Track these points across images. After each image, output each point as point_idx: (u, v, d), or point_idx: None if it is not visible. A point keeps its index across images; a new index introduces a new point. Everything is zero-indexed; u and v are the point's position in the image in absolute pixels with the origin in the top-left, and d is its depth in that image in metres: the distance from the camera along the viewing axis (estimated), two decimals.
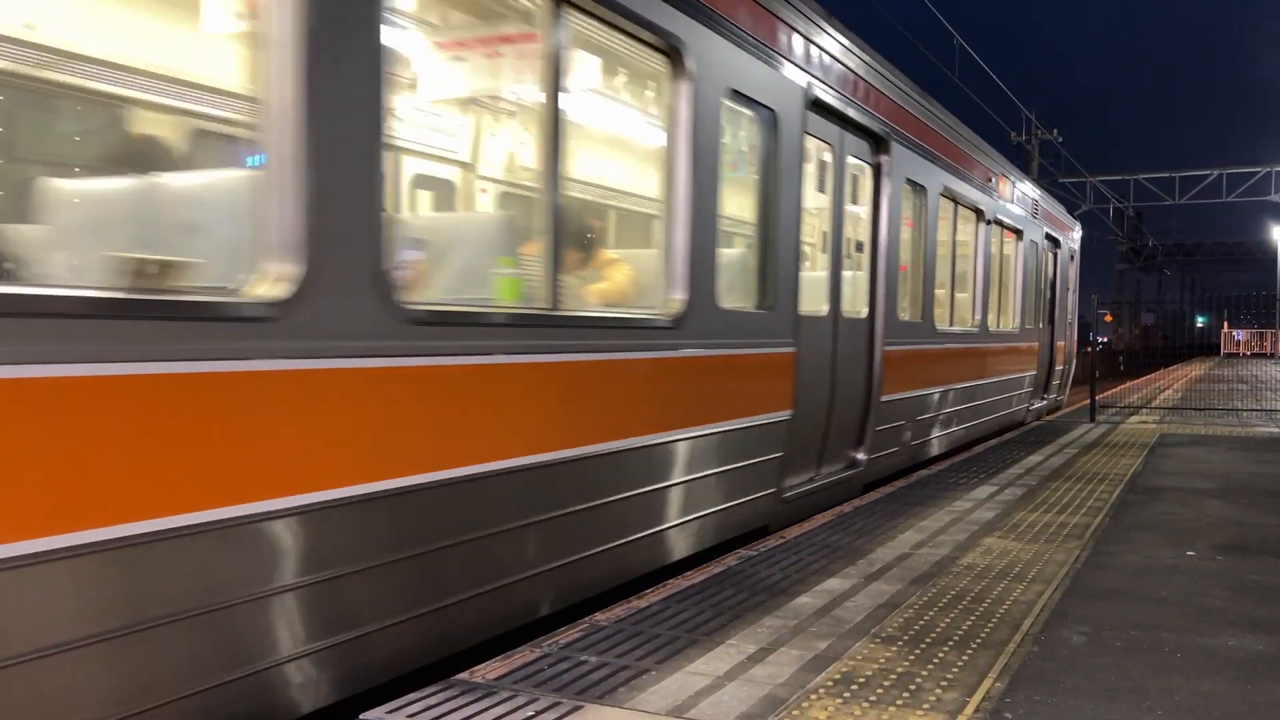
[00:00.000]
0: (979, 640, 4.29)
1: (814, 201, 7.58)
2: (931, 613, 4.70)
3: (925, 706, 3.53)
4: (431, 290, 4.52)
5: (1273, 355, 51.59)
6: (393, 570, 3.75)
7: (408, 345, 3.73)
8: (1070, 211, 19.02)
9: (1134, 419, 15.64)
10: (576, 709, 3.44)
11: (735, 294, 6.20)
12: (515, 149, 6.78)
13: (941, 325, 10.36)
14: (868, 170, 8.32)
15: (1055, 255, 16.64)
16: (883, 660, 4.01)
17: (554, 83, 4.54)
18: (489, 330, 4.18)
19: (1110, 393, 21.99)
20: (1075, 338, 19.46)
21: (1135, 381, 28.79)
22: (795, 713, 3.45)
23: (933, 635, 4.35)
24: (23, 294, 2.70)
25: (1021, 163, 33.95)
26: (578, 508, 4.71)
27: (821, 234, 8.05)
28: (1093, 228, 22.53)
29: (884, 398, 8.48)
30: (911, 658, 4.05)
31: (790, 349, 6.74)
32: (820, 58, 7.06)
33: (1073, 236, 18.58)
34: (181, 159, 4.90)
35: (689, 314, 5.52)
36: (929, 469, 9.51)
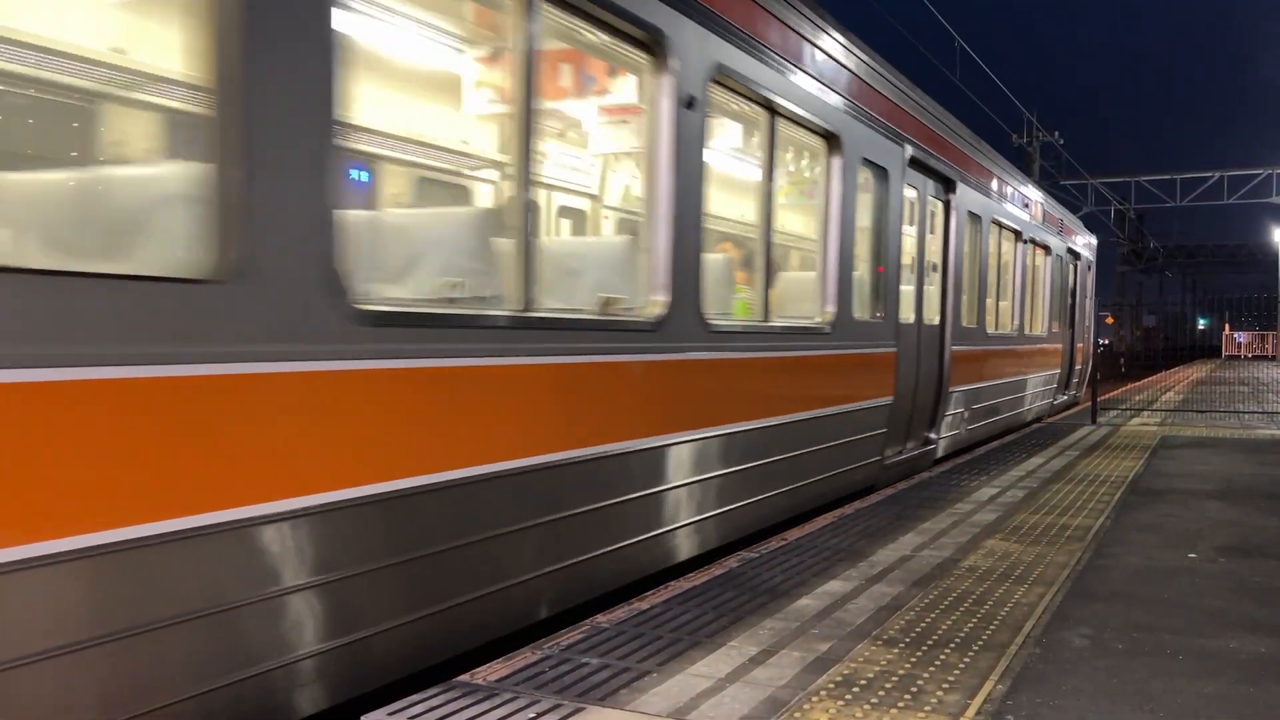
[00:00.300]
0: (980, 642, 4.29)
1: (906, 232, 9.47)
2: (933, 615, 4.70)
3: (927, 709, 3.53)
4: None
5: (1274, 357, 51.60)
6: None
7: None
8: (1073, 213, 20.72)
9: (1135, 421, 15.63)
10: (578, 711, 3.44)
11: (862, 307, 8.35)
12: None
13: (990, 330, 12.54)
14: (940, 206, 10.50)
15: (1075, 266, 18.88)
16: (884, 662, 4.01)
17: (758, 158, 6.76)
18: (740, 336, 6.27)
19: (1112, 394, 21.97)
20: (1092, 340, 21.98)
21: (1137, 384, 28.78)
22: (797, 715, 3.44)
23: (934, 637, 4.35)
24: None
25: (1023, 164, 33.96)
26: (789, 454, 6.96)
27: (911, 257, 9.82)
28: (1094, 230, 22.86)
29: (951, 389, 10.62)
30: (913, 660, 4.05)
31: (893, 349, 8.82)
32: (916, 128, 9.32)
33: (1090, 249, 20.95)
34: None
35: (838, 322, 7.64)
36: (930, 471, 9.52)
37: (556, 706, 3.47)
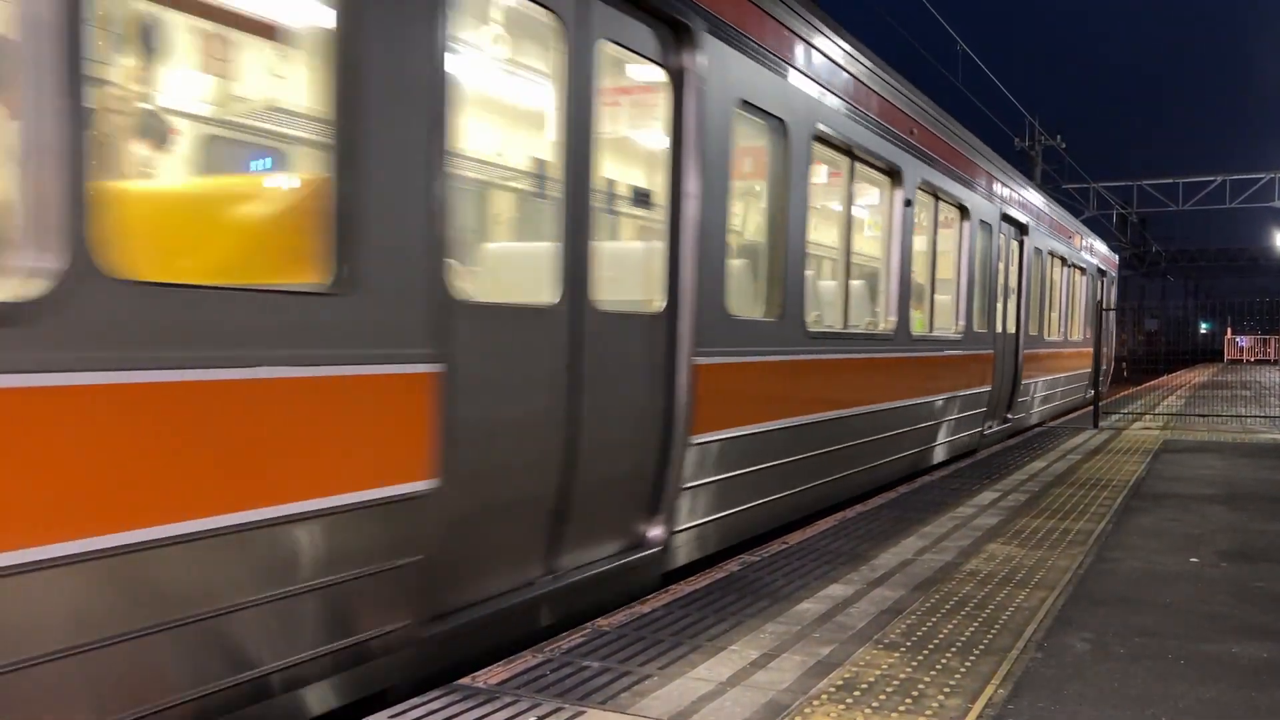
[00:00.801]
0: (982, 646, 4.28)
1: (998, 268, 12.90)
2: (934, 619, 4.69)
3: (928, 713, 3.52)
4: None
5: (1276, 361, 51.51)
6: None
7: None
8: (1075, 216, 23.30)
9: (1137, 425, 15.61)
10: (579, 714, 3.43)
11: (977, 322, 11.72)
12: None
13: (1046, 337, 16.25)
14: (1016, 245, 14.22)
15: (1103, 283, 23.75)
16: (885, 666, 4.00)
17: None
18: (917, 342, 9.45)
19: (1114, 398, 21.95)
20: (1114, 344, 27.34)
21: (1139, 387, 28.74)
22: (798, 719, 3.44)
23: (935, 641, 4.35)
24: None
25: (1025, 168, 33.97)
26: (952, 416, 10.82)
27: (999, 285, 13.05)
28: (1095, 232, 23.52)
29: (1023, 381, 14.26)
30: (914, 664, 4.04)
31: (991, 351, 12.40)
32: (1008, 193, 13.22)
33: (1113, 267, 26.06)
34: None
35: (965, 333, 11.26)
36: (931, 475, 9.51)
37: (557, 710, 3.46)
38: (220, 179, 4.82)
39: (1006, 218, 13.10)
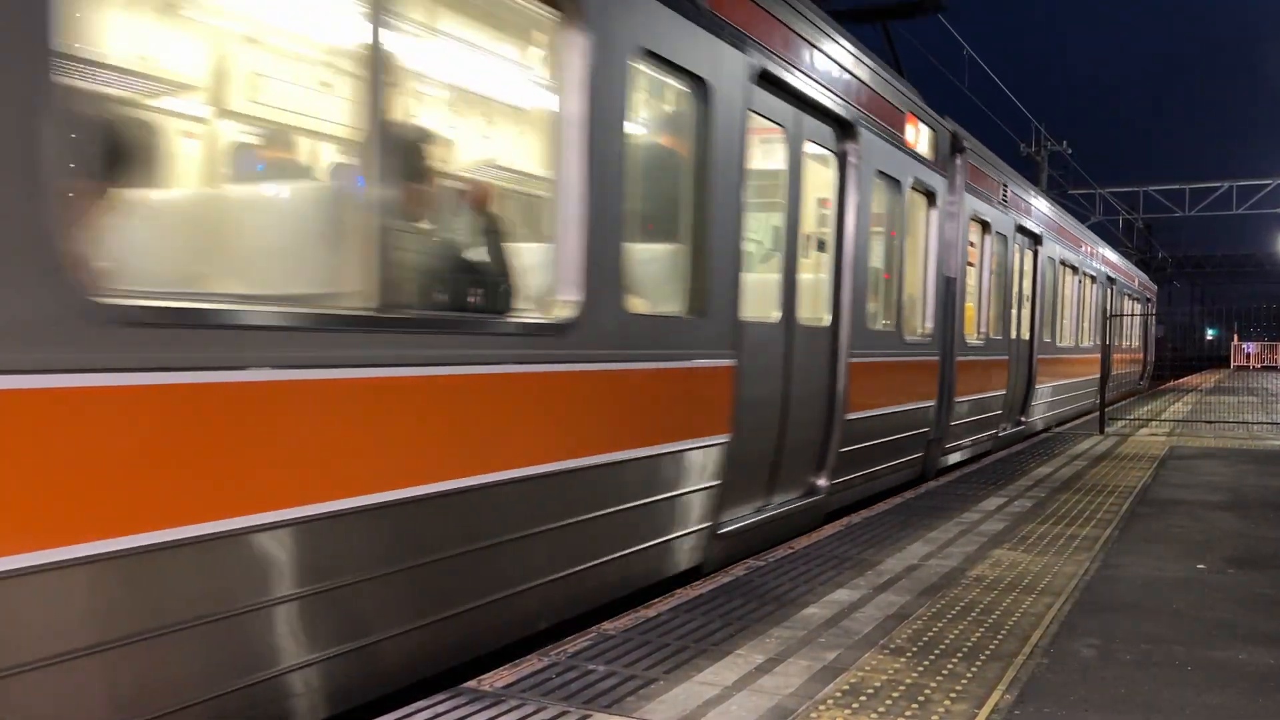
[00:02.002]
0: (988, 652, 4.28)
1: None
2: (940, 624, 4.69)
3: (934, 718, 3.52)
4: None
5: None
6: None
7: None
8: (1081, 222, 24.27)
9: (1144, 431, 15.58)
10: (585, 717, 3.44)
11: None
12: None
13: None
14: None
15: (1146, 305, 29.93)
16: (891, 671, 4.00)
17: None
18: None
19: (1120, 404, 21.91)
20: (1154, 351, 33.94)
21: (1145, 392, 28.70)
22: None
23: (941, 647, 4.34)
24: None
25: (1031, 174, 33.91)
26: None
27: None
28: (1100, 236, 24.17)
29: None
30: (920, 669, 4.04)
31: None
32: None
33: (1152, 292, 32.94)
34: None
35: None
36: (938, 480, 9.50)
37: (563, 714, 3.47)
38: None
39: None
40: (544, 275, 4.50)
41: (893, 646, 4.33)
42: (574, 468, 4.48)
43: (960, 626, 4.66)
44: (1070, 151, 38.29)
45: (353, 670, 3.45)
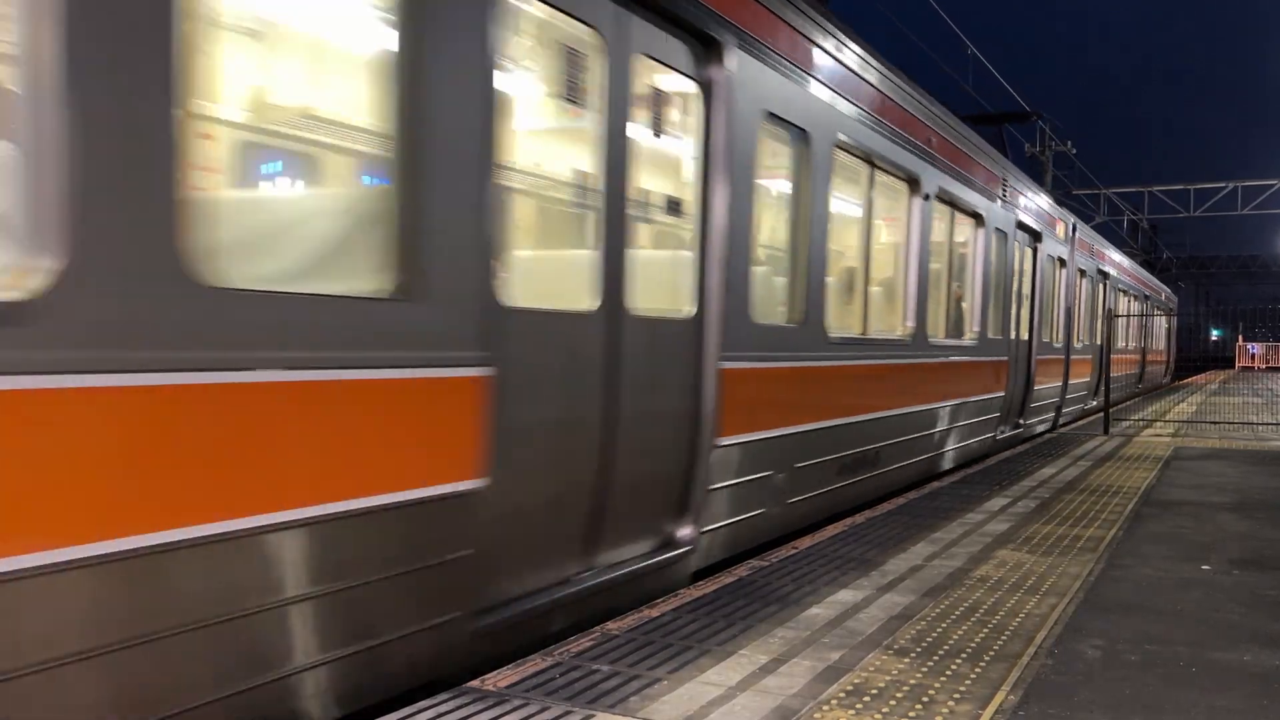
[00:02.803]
0: (992, 653, 4.27)
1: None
2: (944, 625, 4.68)
3: (938, 719, 3.52)
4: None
5: None
6: None
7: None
8: (1085, 222, 24.39)
9: (1148, 432, 15.56)
10: (588, 717, 3.44)
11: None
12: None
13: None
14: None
15: (1169, 312, 34.00)
16: (895, 672, 4.00)
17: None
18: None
19: (1124, 404, 21.89)
20: (1175, 352, 38.96)
21: (1150, 392, 28.68)
22: None
23: (946, 647, 4.34)
24: None
25: (1036, 174, 33.88)
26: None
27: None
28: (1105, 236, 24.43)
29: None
30: (924, 670, 4.04)
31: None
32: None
33: (1174, 304, 37.05)
34: None
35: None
36: (941, 481, 9.49)
37: (567, 713, 3.47)
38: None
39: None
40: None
41: (897, 647, 4.32)
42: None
43: (964, 627, 4.65)
44: (1074, 151, 38.22)
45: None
